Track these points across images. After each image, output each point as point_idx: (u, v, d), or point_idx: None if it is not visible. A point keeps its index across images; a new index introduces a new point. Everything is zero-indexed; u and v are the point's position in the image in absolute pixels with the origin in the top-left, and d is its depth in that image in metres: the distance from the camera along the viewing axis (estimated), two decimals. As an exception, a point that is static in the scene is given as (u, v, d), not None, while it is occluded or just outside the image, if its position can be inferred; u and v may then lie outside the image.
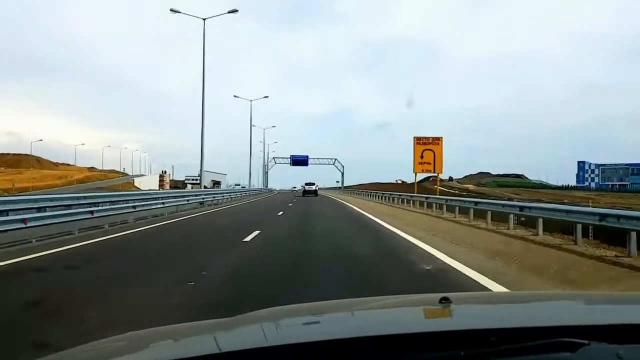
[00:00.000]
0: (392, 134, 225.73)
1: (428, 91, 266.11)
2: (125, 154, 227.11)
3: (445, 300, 1.42)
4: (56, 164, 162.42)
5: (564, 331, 1.08)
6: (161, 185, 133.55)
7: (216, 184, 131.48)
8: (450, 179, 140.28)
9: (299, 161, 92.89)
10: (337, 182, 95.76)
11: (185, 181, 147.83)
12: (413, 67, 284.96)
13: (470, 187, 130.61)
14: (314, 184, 57.69)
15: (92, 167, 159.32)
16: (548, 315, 1.49)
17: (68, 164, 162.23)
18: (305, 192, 54.61)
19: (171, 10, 31.29)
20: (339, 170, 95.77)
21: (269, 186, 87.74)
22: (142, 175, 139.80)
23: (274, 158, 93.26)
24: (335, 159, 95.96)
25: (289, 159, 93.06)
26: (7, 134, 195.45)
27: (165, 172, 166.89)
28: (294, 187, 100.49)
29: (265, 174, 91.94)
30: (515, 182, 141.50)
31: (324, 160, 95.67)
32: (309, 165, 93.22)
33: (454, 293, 1.61)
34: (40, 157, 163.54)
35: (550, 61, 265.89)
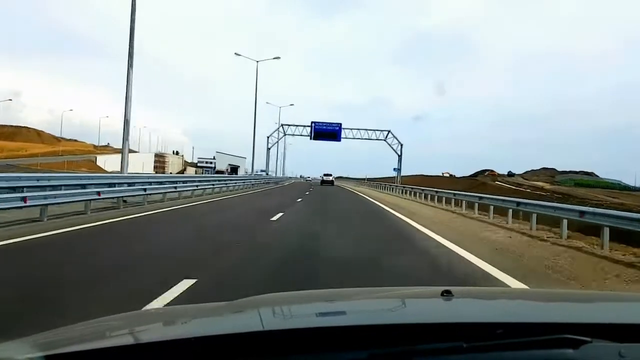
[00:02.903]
0: (429, 126, 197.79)
1: (471, 84, 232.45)
2: (165, 136, 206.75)
3: (447, 293, 1.42)
4: (59, 139, 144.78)
5: (566, 328, 1.08)
6: (161, 168, 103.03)
7: (233, 169, 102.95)
8: (510, 174, 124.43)
9: (326, 132, 54.88)
10: (395, 169, 55.98)
11: (198, 164, 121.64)
12: (452, 59, 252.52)
13: (545, 185, 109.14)
14: (331, 174, 63.94)
15: (107, 145, 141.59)
16: (551, 312, 1.50)
17: (76, 140, 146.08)
18: (323, 182, 59.61)
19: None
20: (396, 152, 56.20)
21: (285, 173, 73.92)
22: (134, 152, 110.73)
23: (282, 125, 55.10)
24: (389, 132, 56.69)
25: (310, 128, 54.70)
26: (48, 112, 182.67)
27: (176, 152, 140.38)
28: (308, 177, 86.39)
29: (268, 150, 53.99)
30: (592, 181, 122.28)
31: (370, 132, 56.46)
32: (341, 139, 54.53)
33: (456, 287, 1.55)
34: (42, 131, 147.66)
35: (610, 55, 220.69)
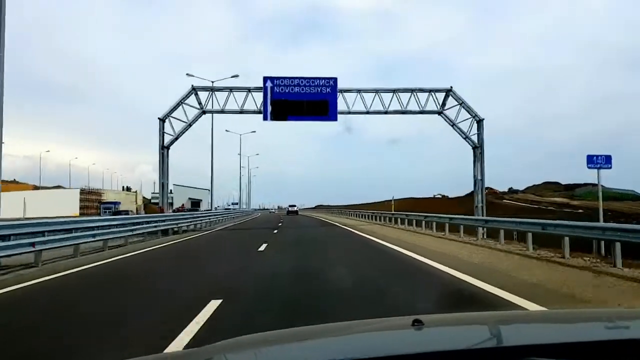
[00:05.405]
0: (407, 149, 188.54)
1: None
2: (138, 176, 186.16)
3: (417, 323, 1.43)
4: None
5: (533, 350, 1.14)
6: (95, 208, 75.64)
7: (194, 204, 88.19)
8: (511, 190, 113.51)
9: (301, 102, 21.45)
10: (478, 181, 23.33)
11: (152, 200, 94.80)
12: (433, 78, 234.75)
13: (570, 201, 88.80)
14: (295, 205, 73.10)
15: (59, 186, 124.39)
16: (518, 335, 1.53)
17: (18, 182, 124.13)
18: (289, 212, 67.32)
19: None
20: (468, 141, 23.53)
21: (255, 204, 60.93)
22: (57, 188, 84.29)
23: (194, 89, 22.63)
24: (448, 92, 24.17)
25: (263, 94, 22.25)
26: (25, 158, 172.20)
27: (127, 187, 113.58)
28: (272, 209, 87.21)
29: (164, 149, 20.80)
30: (610, 193, 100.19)
31: (403, 95, 23.98)
32: (337, 117, 21.62)
33: (426, 315, 1.55)
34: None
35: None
